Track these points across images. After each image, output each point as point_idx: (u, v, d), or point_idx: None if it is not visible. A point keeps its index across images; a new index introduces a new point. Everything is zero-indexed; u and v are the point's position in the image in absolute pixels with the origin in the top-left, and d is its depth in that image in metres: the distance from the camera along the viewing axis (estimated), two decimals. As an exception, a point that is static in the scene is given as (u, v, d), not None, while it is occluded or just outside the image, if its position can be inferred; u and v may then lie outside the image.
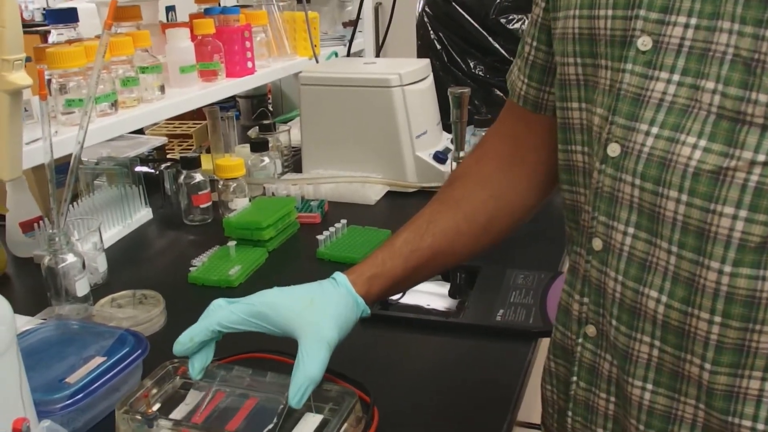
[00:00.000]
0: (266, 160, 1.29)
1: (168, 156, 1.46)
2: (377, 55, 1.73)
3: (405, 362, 0.82)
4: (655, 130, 0.54)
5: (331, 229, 1.09)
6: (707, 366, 0.55)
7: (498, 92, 1.50)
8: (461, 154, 1.26)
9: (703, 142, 0.52)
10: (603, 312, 0.62)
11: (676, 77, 0.53)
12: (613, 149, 0.57)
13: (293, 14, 1.48)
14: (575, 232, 0.66)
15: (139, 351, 0.76)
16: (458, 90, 1.20)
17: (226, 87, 1.27)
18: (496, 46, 1.46)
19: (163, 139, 1.44)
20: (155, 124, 1.59)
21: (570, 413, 0.67)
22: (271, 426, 0.64)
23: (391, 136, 1.29)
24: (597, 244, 0.61)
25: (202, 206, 1.21)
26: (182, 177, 1.20)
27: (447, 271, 1.01)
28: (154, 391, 0.70)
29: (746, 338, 0.53)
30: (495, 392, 0.75)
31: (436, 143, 1.34)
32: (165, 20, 1.55)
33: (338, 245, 1.08)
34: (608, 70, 0.58)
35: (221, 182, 1.21)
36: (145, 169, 1.32)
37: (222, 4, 1.33)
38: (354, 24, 1.54)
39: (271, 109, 1.83)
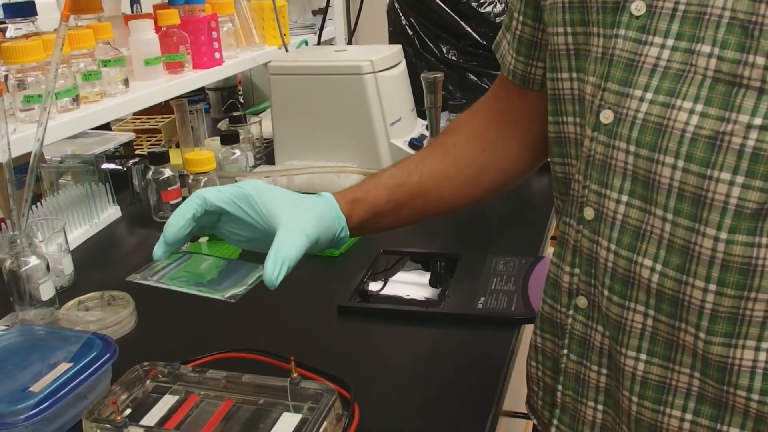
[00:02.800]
0: (237, 152, 1.25)
1: (136, 152, 1.41)
2: (349, 43, 1.70)
3: (385, 355, 0.79)
4: (649, 95, 0.54)
5: (306, 221, 1.06)
6: (702, 335, 0.54)
7: (472, 77, 1.48)
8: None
9: (699, 107, 0.51)
10: (595, 282, 0.61)
11: (670, 42, 0.53)
12: (606, 116, 0.56)
13: (261, 3, 1.44)
14: (566, 204, 0.65)
15: (107, 355, 0.72)
16: (431, 75, 1.17)
17: (193, 79, 1.23)
18: (469, 30, 1.44)
19: (131, 135, 1.40)
20: (121, 120, 1.55)
21: (560, 387, 0.66)
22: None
23: (364, 125, 1.26)
24: (589, 213, 0.60)
25: (171, 202, 1.17)
26: (150, 173, 1.16)
27: (426, 258, 0.99)
28: (124, 396, 0.67)
29: (741, 306, 0.53)
30: (479, 382, 0.73)
31: (411, 130, 1.32)
32: (130, 12, 1.50)
33: (314, 238, 1.05)
34: (600, 37, 0.57)
35: (191, 177, 1.17)
36: (111, 166, 1.28)
37: (187, -6, 1.28)
38: (324, 12, 1.51)
39: (242, 100, 1.79)
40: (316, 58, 1.30)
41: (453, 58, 1.46)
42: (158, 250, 0.65)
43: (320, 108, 1.27)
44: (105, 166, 1.30)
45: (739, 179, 0.51)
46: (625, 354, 0.59)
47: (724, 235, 0.52)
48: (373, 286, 0.92)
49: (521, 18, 0.70)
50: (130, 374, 0.69)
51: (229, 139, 1.24)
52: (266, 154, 1.40)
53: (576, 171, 0.62)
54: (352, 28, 1.62)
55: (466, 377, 0.74)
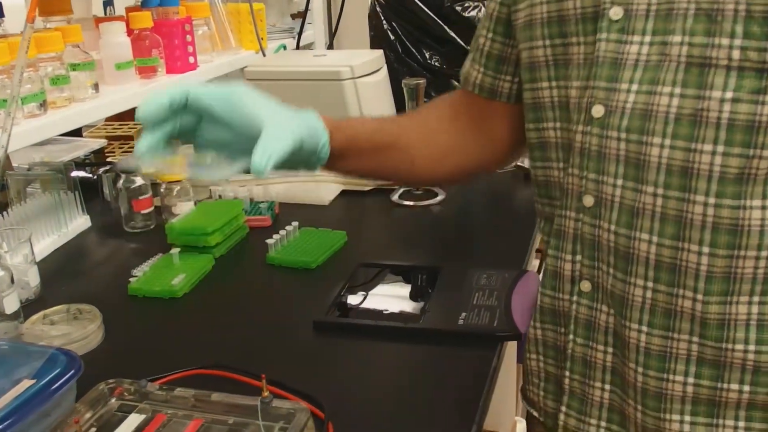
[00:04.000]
0: (209, 160, 1.21)
1: (107, 159, 1.37)
2: (329, 48, 1.67)
3: (362, 373, 0.76)
4: (635, 87, 0.60)
5: (282, 232, 1.03)
6: (699, 297, 0.60)
7: (456, 83, 1.45)
8: (418, 148, 1.21)
9: (678, 90, 0.57)
10: (598, 264, 0.65)
11: (647, 38, 0.59)
12: (597, 110, 0.62)
13: (237, 6, 1.41)
14: (548, 207, 0.72)
15: (72, 371, 0.69)
16: (413, 81, 1.15)
17: (164, 83, 1.19)
18: (453, 35, 1.41)
19: (102, 142, 1.36)
20: (93, 126, 1.50)
21: (567, 373, 0.70)
22: None
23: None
24: (588, 200, 0.65)
25: (143, 212, 1.13)
26: (121, 181, 1.12)
27: (407, 271, 0.96)
28: (88, 415, 0.65)
29: (732, 265, 0.58)
30: (458, 401, 0.70)
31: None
32: (103, 14, 1.46)
33: (290, 249, 1.02)
34: (581, 45, 0.64)
35: (164, 186, 1.14)
36: (82, 173, 1.24)
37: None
38: (302, 15, 1.48)
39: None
40: (293, 63, 1.27)
41: (436, 63, 1.44)
42: (141, 145, 0.64)
43: (299, 114, 1.24)
44: (75, 173, 1.26)
45: (720, 148, 0.56)
46: (630, 327, 0.64)
47: (712, 200, 0.57)
48: (351, 300, 0.89)
49: (490, 35, 0.75)
50: (95, 392, 0.66)
51: (205, 146, 1.20)
52: (243, 161, 1.36)
53: (569, 166, 0.66)
54: (333, 32, 1.59)
55: (446, 396, 0.71)
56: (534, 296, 0.88)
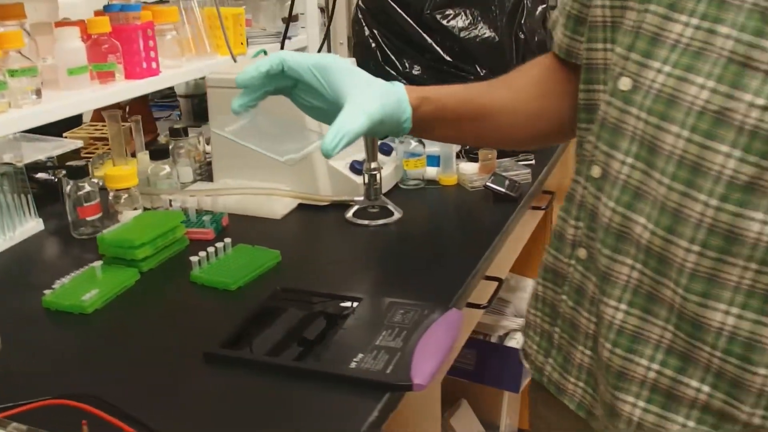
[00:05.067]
0: (167, 168, 1.19)
1: (85, 160, 1.36)
2: (320, 52, 1.62)
3: (237, 414, 0.72)
4: (667, 68, 0.58)
5: (210, 249, 0.99)
6: (680, 291, 0.60)
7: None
8: (373, 165, 1.15)
9: (711, 83, 0.56)
10: (593, 236, 0.67)
11: (694, 21, 0.57)
12: (625, 83, 0.61)
13: (216, 10, 1.38)
14: (580, 165, 0.71)
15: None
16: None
17: (122, 90, 1.17)
18: (432, 43, 1.34)
19: (78, 143, 1.36)
20: (76, 126, 1.51)
21: (558, 330, 0.74)
22: None
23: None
24: (596, 171, 0.65)
25: (89, 219, 1.12)
26: (68, 187, 1.11)
27: (324, 300, 0.90)
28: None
29: (718, 269, 0.58)
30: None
31: (355, 152, 1.23)
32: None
33: (215, 267, 0.98)
34: (634, 11, 0.62)
35: (111, 193, 1.12)
36: (45, 176, 1.24)
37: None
38: (287, 20, 1.44)
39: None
40: (255, 71, 1.23)
41: (416, 73, 1.37)
42: (236, 103, 0.74)
43: (257, 124, 1.20)
44: (40, 175, 1.26)
45: (736, 153, 0.55)
46: (607, 303, 0.65)
47: (714, 202, 0.57)
48: (256, 330, 0.85)
49: None
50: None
51: (158, 154, 1.19)
52: (209, 170, 1.33)
53: (591, 134, 0.67)
54: (323, 38, 1.55)
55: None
56: (449, 341, 0.82)
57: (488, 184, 1.22)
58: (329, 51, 1.70)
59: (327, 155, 0.68)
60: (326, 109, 0.74)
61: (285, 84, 0.75)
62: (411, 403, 0.90)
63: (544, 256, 0.75)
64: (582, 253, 0.69)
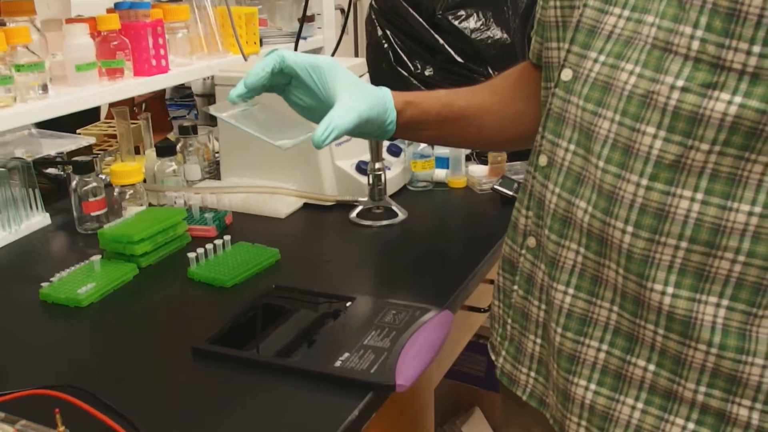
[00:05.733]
0: (174, 165, 1.20)
1: (97, 156, 1.37)
2: (334, 54, 1.62)
3: (221, 409, 0.71)
4: (602, 57, 0.62)
5: (208, 246, 0.99)
6: (621, 271, 0.62)
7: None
8: (377, 165, 1.14)
9: (638, 69, 0.59)
10: (541, 223, 0.69)
11: (626, 12, 0.60)
12: (566, 74, 0.65)
13: (232, 9, 1.38)
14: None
15: None
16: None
17: (130, 86, 1.18)
18: (444, 45, 1.33)
19: (91, 139, 1.37)
20: (91, 123, 1.52)
21: (509, 321, 0.75)
22: None
23: (306, 143, 1.17)
24: (543, 160, 0.68)
25: (93, 214, 1.12)
26: (74, 182, 1.12)
27: (316, 298, 0.89)
28: None
29: (651, 249, 0.60)
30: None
31: (361, 152, 1.22)
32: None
33: (213, 264, 0.98)
34: (577, 9, 0.65)
35: (117, 189, 1.13)
36: (54, 171, 1.25)
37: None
38: (301, 20, 1.43)
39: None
40: (263, 70, 1.23)
41: (428, 74, 1.36)
42: (234, 92, 0.75)
43: (264, 123, 1.20)
44: (50, 171, 1.28)
45: (661, 133, 0.57)
46: (556, 288, 0.67)
47: (644, 182, 0.59)
48: (247, 326, 0.84)
49: (541, 2, 0.75)
50: None
51: (165, 151, 1.19)
52: (218, 169, 1.33)
53: (539, 125, 0.70)
54: (338, 38, 1.54)
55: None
56: (438, 343, 0.80)
57: (496, 186, 1.20)
58: (356, 54, 1.69)
59: (318, 146, 0.72)
60: (317, 107, 0.78)
61: (280, 81, 0.78)
62: (405, 412, 0.88)
63: (503, 246, 0.77)
64: (531, 242, 0.71)
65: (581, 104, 0.63)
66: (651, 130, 0.58)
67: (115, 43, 1.16)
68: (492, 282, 1.08)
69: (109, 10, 1.25)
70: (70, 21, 1.17)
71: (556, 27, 0.70)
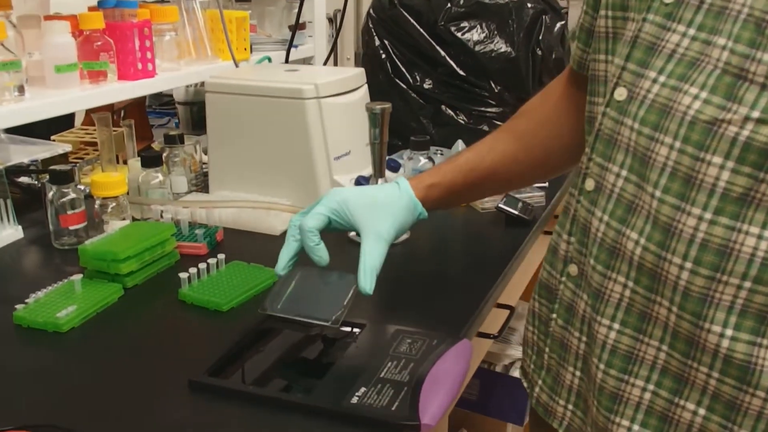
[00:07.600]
0: (159, 177, 1.12)
1: (74, 164, 1.28)
2: (326, 63, 1.55)
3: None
4: (662, 78, 0.57)
5: (201, 265, 0.91)
6: (674, 309, 0.58)
7: (447, 110, 1.31)
8: (380, 181, 1.08)
9: (704, 94, 0.54)
10: (585, 251, 0.65)
11: (691, 31, 0.56)
12: (620, 93, 0.60)
13: (217, 13, 1.31)
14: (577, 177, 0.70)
15: None
16: (377, 106, 1.01)
17: (114, 90, 1.10)
18: (445, 56, 1.27)
19: (67, 147, 1.28)
20: (66, 129, 1.43)
21: (547, 350, 0.72)
22: None
23: (304, 156, 1.11)
24: (589, 184, 0.64)
25: (71, 228, 1.04)
26: (51, 193, 1.03)
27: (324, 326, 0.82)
28: None
29: (711, 288, 0.56)
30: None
31: (362, 166, 1.16)
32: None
33: (206, 285, 0.90)
34: (634, 21, 0.61)
35: (98, 201, 1.04)
36: (27, 180, 1.16)
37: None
38: (293, 27, 1.37)
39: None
40: (257, 77, 1.16)
41: (428, 87, 1.30)
42: (278, 266, 0.77)
43: (258, 134, 1.13)
44: (23, 179, 1.18)
45: (730, 164, 0.54)
46: (600, 322, 0.63)
47: (708, 216, 0.55)
48: (249, 355, 0.76)
49: (585, 8, 0.72)
50: None
51: (150, 161, 1.11)
52: (205, 181, 1.25)
53: (587, 145, 0.65)
54: (331, 47, 1.48)
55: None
56: (459, 376, 0.74)
57: (501, 205, 1.14)
58: (335, 64, 1.62)
59: (367, 294, 0.73)
60: (349, 229, 0.79)
61: None
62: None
63: (541, 271, 0.74)
64: (573, 269, 0.68)
65: (636, 127, 0.59)
66: (718, 160, 0.54)
67: (99, 43, 1.08)
68: (500, 306, 1.03)
69: (91, 8, 1.17)
70: (48, 18, 1.09)
71: (606, 38, 0.66)
